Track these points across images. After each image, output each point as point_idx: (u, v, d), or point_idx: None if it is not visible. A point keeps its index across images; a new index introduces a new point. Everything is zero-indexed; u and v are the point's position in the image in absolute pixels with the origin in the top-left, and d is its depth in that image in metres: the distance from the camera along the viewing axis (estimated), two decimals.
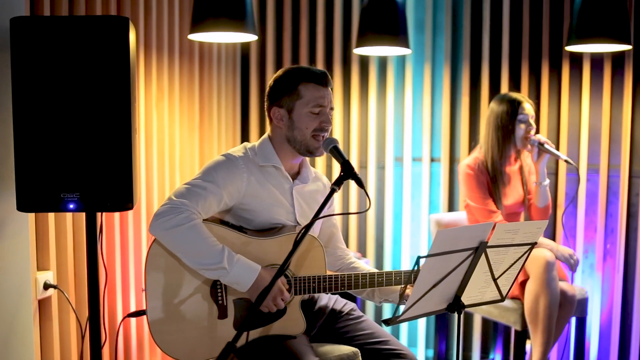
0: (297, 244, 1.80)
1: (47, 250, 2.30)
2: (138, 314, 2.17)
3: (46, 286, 2.27)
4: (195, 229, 1.92)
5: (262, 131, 3.85)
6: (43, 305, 2.30)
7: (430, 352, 3.78)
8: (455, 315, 1.89)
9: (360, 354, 2.16)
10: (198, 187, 1.99)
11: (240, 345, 1.96)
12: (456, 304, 1.88)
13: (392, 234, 3.81)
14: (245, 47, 3.83)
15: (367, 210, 1.95)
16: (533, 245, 1.89)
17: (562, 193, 3.50)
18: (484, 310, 3.15)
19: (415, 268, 1.73)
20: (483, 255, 1.80)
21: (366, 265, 2.32)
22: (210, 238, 1.94)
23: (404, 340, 3.82)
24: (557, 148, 3.46)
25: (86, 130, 1.86)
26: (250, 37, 2.80)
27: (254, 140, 2.19)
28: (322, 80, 2.09)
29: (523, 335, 3.18)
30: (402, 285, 2.09)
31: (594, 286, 3.43)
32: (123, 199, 1.91)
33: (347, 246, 3.77)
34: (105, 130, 1.87)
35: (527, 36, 3.52)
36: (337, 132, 3.80)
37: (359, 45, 3.33)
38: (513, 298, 3.02)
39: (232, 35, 2.80)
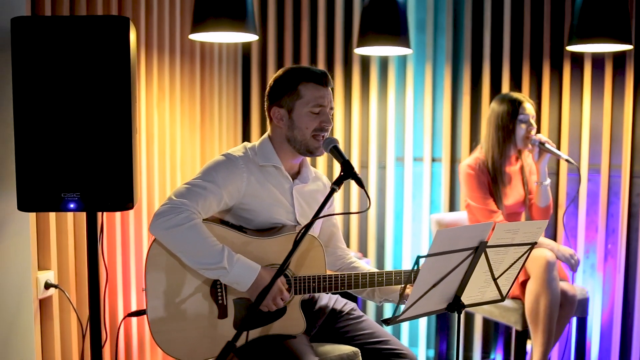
0: (297, 243, 1.80)
1: (48, 249, 2.31)
2: (138, 313, 2.17)
3: (47, 286, 2.27)
4: (195, 228, 1.92)
5: (263, 131, 3.85)
6: (44, 304, 2.31)
7: (431, 352, 3.78)
8: (456, 315, 1.89)
9: (360, 353, 2.16)
10: (198, 187, 1.99)
11: (240, 344, 1.96)
12: (456, 304, 1.88)
13: (393, 234, 3.81)
14: (246, 47, 3.83)
15: (366, 210, 1.95)
16: (533, 245, 1.89)
17: (563, 193, 3.49)
18: (485, 310, 3.15)
19: (415, 268, 1.73)
20: (483, 255, 1.80)
21: (366, 265, 2.32)
22: (210, 238, 1.94)
23: (405, 340, 3.82)
24: (558, 148, 3.45)
25: (87, 129, 1.86)
26: (251, 37, 2.80)
27: (255, 140, 2.19)
28: (322, 80, 2.09)
29: (524, 335, 3.18)
30: (402, 285, 2.09)
31: (595, 286, 3.43)
32: (123, 199, 1.92)
33: (348, 246, 3.78)
34: (105, 130, 1.87)
35: (528, 36, 3.52)
36: (338, 132, 3.80)
37: (360, 45, 3.33)
38: (514, 298, 3.02)
39: (233, 35, 2.80)
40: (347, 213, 3.93)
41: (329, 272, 2.10)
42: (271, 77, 2.20)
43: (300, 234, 1.82)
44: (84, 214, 2.01)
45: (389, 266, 3.80)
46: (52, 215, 2.31)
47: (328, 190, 2.03)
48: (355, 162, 3.79)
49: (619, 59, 3.36)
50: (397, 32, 3.23)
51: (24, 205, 1.88)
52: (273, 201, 2.11)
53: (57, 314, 2.35)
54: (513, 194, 3.13)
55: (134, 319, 2.85)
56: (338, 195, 3.80)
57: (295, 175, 2.20)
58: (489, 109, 3.16)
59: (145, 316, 2.02)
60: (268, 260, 2.04)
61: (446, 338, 3.43)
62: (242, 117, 3.88)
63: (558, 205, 3.50)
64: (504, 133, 3.07)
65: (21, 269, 2.12)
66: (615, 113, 3.40)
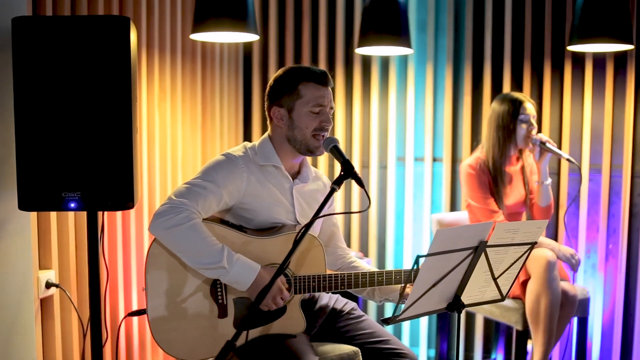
0: (296, 243, 1.80)
1: (49, 249, 2.31)
2: (139, 313, 2.17)
3: (48, 285, 2.28)
4: (195, 228, 1.92)
5: (264, 131, 3.84)
6: (45, 304, 2.31)
7: (432, 352, 3.78)
8: (457, 315, 1.89)
9: (360, 353, 2.16)
10: (198, 187, 1.99)
11: (240, 344, 1.96)
12: (456, 304, 1.88)
13: (394, 233, 3.81)
14: (247, 47, 3.83)
15: (366, 210, 1.95)
16: (533, 244, 1.89)
17: (564, 193, 3.49)
18: (486, 310, 3.15)
19: (415, 267, 1.73)
20: (483, 255, 1.80)
21: (366, 265, 2.32)
22: (210, 237, 1.94)
23: (405, 340, 3.82)
24: (559, 148, 3.45)
25: (87, 129, 1.87)
26: (252, 37, 2.80)
27: (256, 140, 2.19)
28: (322, 79, 2.09)
29: (524, 335, 3.18)
30: (402, 285, 2.09)
31: (596, 286, 3.43)
32: (124, 198, 1.92)
33: (349, 246, 3.78)
34: (106, 130, 1.88)
35: (530, 36, 3.52)
36: (339, 132, 3.80)
37: (361, 45, 3.34)
38: (514, 298, 3.02)
39: (234, 35, 2.80)
40: (347, 213, 3.93)
41: (329, 272, 2.10)
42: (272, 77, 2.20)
43: (300, 233, 1.82)
44: (85, 213, 2.02)
45: (390, 266, 3.80)
46: (53, 214, 2.32)
47: (328, 189, 2.03)
48: (356, 162, 3.79)
49: (620, 59, 3.35)
50: (398, 32, 3.23)
51: (25, 204, 1.89)
52: (273, 201, 2.11)
53: (58, 314, 2.35)
54: (514, 194, 3.13)
55: (135, 319, 2.86)
56: (338, 195, 3.80)
57: (296, 174, 2.20)
58: (490, 108, 3.16)
59: (145, 315, 2.03)
60: (268, 259, 2.04)
61: (447, 338, 3.43)
62: (243, 117, 3.88)
63: (559, 205, 3.49)
64: (505, 133, 3.07)
65: (22, 268, 2.12)
66: (616, 113, 3.40)
